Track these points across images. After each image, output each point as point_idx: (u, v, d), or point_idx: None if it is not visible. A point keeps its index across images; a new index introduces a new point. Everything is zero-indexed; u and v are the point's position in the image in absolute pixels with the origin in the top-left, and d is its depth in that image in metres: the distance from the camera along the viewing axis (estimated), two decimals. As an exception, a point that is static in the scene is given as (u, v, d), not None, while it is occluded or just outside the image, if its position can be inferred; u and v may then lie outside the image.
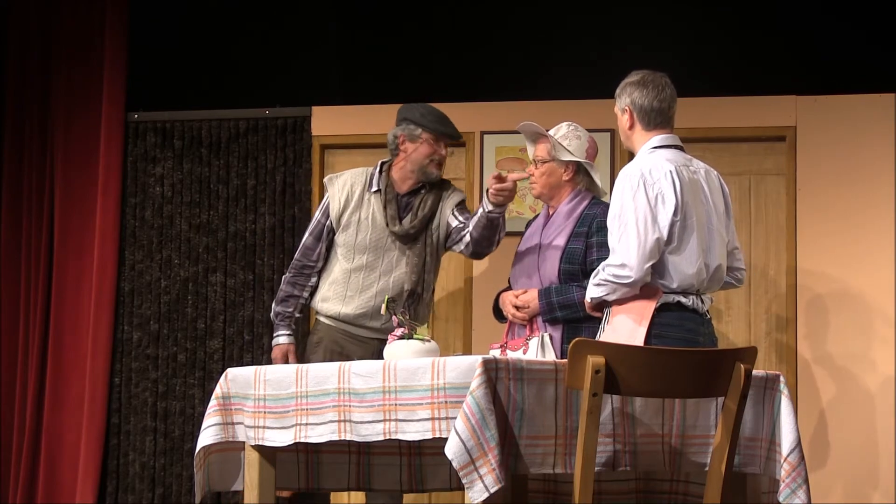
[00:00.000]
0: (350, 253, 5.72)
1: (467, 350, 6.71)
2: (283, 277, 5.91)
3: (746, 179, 6.71)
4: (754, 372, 3.89)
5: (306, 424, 3.98)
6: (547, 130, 5.43)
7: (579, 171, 5.42)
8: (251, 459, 4.22)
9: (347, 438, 3.87)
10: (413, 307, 5.70)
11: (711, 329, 4.65)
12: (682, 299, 4.51)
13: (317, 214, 5.88)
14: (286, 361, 5.81)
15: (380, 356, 5.61)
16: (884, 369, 6.43)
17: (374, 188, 5.79)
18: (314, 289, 5.84)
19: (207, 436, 4.24)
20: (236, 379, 4.24)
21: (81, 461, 6.98)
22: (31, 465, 7.08)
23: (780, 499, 4.02)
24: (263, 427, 4.11)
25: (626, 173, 4.55)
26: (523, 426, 3.62)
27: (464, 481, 3.50)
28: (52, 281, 7.16)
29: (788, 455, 4.03)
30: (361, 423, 3.81)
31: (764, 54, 6.68)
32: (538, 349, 5.16)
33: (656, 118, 4.66)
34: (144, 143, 7.17)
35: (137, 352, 7.03)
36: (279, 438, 4.07)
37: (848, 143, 6.55)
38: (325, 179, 5.94)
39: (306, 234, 5.88)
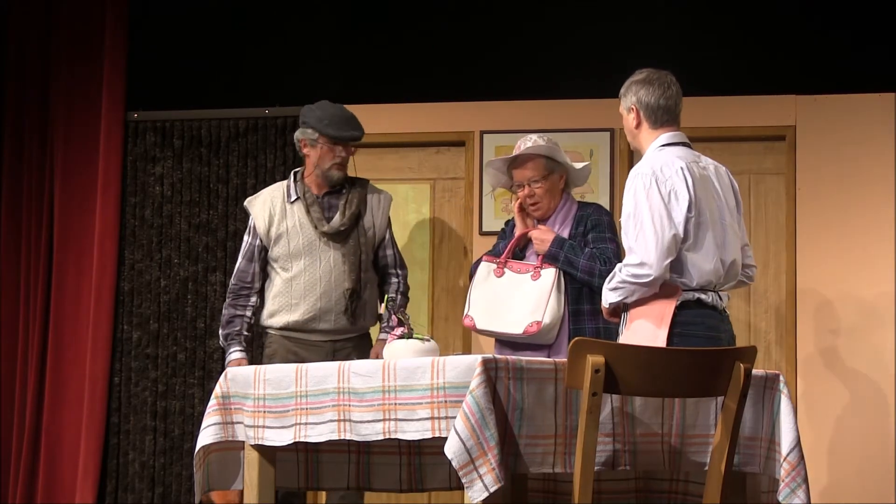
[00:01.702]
0: (287, 262, 5.76)
1: (467, 349, 6.71)
2: (224, 306, 5.91)
3: (746, 179, 6.71)
4: (754, 371, 3.89)
5: (306, 424, 3.98)
6: (539, 143, 5.47)
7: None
8: (251, 459, 4.22)
9: (347, 438, 3.87)
10: (355, 306, 5.72)
11: (730, 326, 4.63)
12: (702, 296, 4.48)
13: (245, 238, 5.88)
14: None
15: (334, 358, 5.67)
16: (884, 368, 6.43)
17: (293, 197, 5.82)
18: (256, 308, 5.85)
19: (207, 435, 4.24)
20: (236, 378, 4.24)
21: (81, 460, 6.98)
22: (30, 464, 7.08)
23: (780, 498, 4.02)
24: (263, 426, 4.11)
25: (638, 172, 4.52)
26: (523, 426, 3.62)
27: (463, 481, 3.50)
28: (51, 280, 7.16)
29: (788, 454, 4.03)
30: (361, 422, 3.81)
31: (764, 54, 6.68)
32: (554, 282, 5.26)
33: (663, 116, 4.63)
34: (144, 143, 7.17)
35: (137, 351, 7.03)
36: (279, 438, 4.07)
37: (848, 143, 6.55)
38: (245, 203, 5.96)
39: (239, 259, 5.89)
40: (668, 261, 4.41)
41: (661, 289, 4.46)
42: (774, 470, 4.09)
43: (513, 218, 5.63)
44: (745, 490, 4.21)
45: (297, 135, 5.87)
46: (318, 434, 3.95)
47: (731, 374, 3.82)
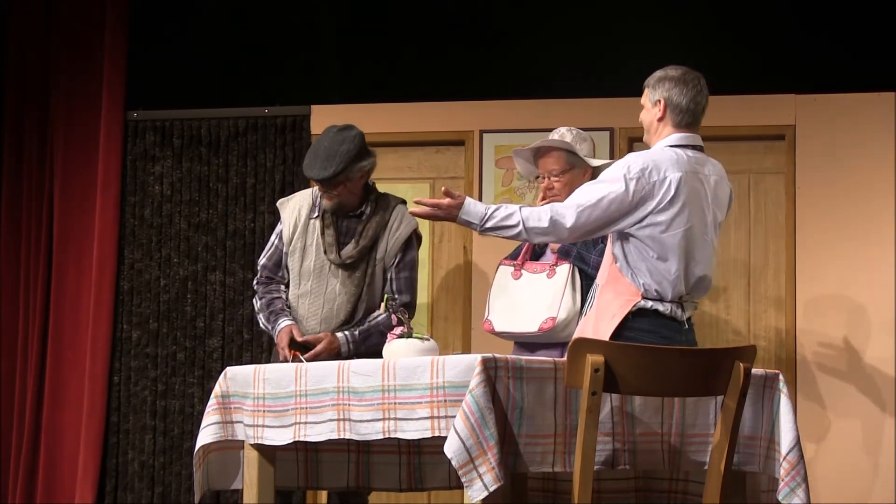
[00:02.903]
0: (297, 279, 5.69)
1: (467, 349, 6.71)
2: (255, 299, 5.82)
3: (746, 178, 6.71)
4: (753, 371, 3.89)
5: (305, 423, 3.98)
6: (547, 137, 5.43)
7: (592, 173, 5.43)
8: (250, 458, 4.22)
9: (347, 437, 3.87)
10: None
11: (692, 337, 4.57)
12: (660, 307, 4.46)
13: (273, 238, 5.81)
14: (290, 337, 5.61)
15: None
16: (883, 368, 6.43)
17: (316, 213, 5.71)
18: (287, 295, 5.75)
19: (207, 434, 4.24)
20: (235, 377, 4.24)
21: (81, 460, 6.97)
22: (30, 463, 7.08)
23: (780, 497, 4.02)
24: (263, 426, 4.11)
25: (631, 160, 4.48)
26: (522, 425, 3.62)
27: (463, 480, 3.50)
28: (51, 279, 7.16)
29: (787, 454, 4.03)
30: (360, 421, 3.81)
31: (764, 53, 6.68)
32: (568, 278, 5.21)
33: (688, 118, 4.60)
34: (144, 142, 7.17)
35: (137, 350, 7.03)
36: (278, 437, 4.07)
37: (847, 142, 6.55)
38: (277, 203, 5.85)
39: (264, 258, 5.79)
40: (586, 231, 4.41)
41: (623, 286, 4.45)
42: (774, 469, 4.09)
43: None
44: (745, 489, 4.21)
45: None
46: (318, 433, 3.95)
47: (731, 373, 3.82)
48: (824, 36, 6.61)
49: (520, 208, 4.37)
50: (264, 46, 7.17)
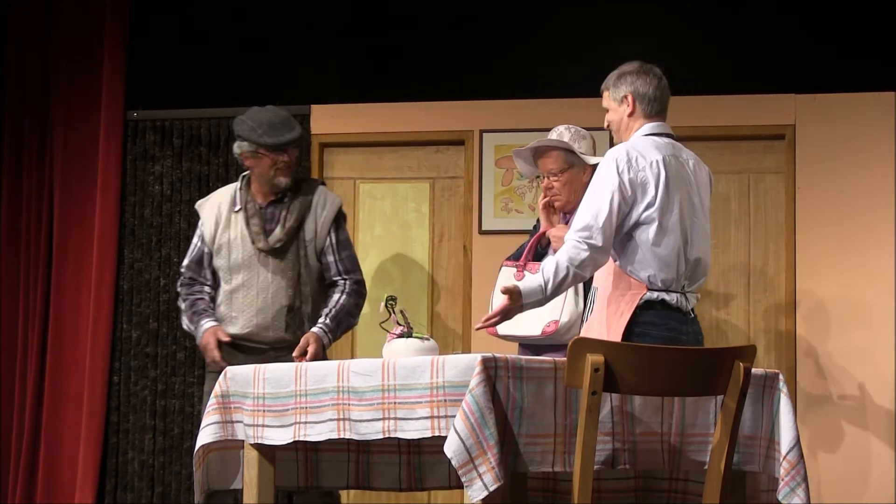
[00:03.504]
0: (227, 275, 5.69)
1: (467, 349, 6.71)
2: (179, 301, 5.84)
3: (746, 178, 6.71)
4: (753, 370, 3.89)
5: (305, 423, 3.98)
6: (547, 136, 5.42)
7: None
8: (250, 458, 4.22)
9: (346, 437, 3.87)
10: (296, 322, 5.62)
11: (697, 327, 4.61)
12: (666, 297, 4.48)
13: (195, 240, 5.83)
14: (216, 338, 5.63)
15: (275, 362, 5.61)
16: (883, 367, 6.43)
17: (238, 206, 5.72)
18: (211, 296, 5.76)
19: (206, 434, 4.24)
20: (235, 377, 4.24)
21: (81, 459, 6.98)
22: (30, 463, 7.08)
23: (780, 497, 4.02)
24: (263, 425, 4.11)
25: (613, 156, 4.50)
26: (522, 424, 3.62)
27: (463, 480, 3.50)
28: (51, 279, 7.17)
29: (787, 453, 4.03)
30: (360, 421, 3.81)
31: (764, 53, 6.68)
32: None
33: (656, 106, 4.65)
34: (144, 142, 7.17)
35: (136, 350, 7.03)
36: (278, 437, 4.07)
37: (847, 142, 6.56)
38: (196, 206, 5.88)
39: (187, 260, 5.81)
40: (613, 236, 4.42)
41: (626, 284, 4.46)
42: (774, 469, 4.09)
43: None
44: (745, 489, 4.21)
45: (235, 150, 5.74)
46: (318, 433, 3.95)
47: (731, 373, 3.82)
48: (824, 36, 6.61)
49: (556, 260, 4.38)
50: (264, 46, 7.17)
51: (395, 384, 3.73)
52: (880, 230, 6.50)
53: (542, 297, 4.38)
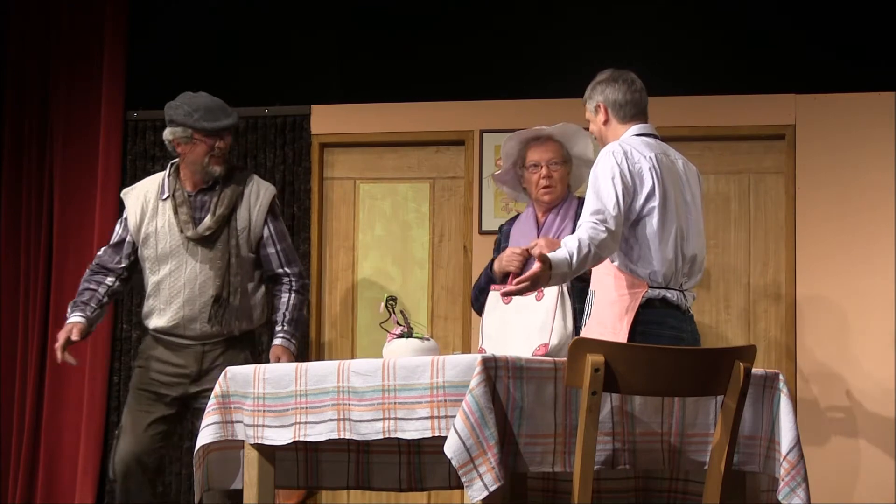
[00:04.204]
0: (155, 265, 5.57)
1: (467, 349, 6.71)
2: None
3: (746, 178, 6.71)
4: (753, 370, 3.89)
5: (305, 423, 3.98)
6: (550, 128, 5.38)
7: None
8: (250, 458, 4.22)
9: (347, 437, 3.87)
10: (222, 314, 5.50)
11: (694, 326, 4.64)
12: (668, 294, 4.50)
13: (117, 227, 5.72)
14: (67, 336, 5.55)
15: (204, 361, 5.53)
16: (883, 367, 6.43)
17: (165, 194, 5.57)
18: (111, 289, 5.67)
19: (207, 434, 4.24)
20: (235, 377, 4.24)
21: (80, 460, 6.98)
22: (30, 463, 7.08)
23: (780, 497, 4.01)
24: (263, 426, 4.11)
25: (609, 150, 4.53)
26: (522, 425, 3.62)
27: (463, 480, 3.50)
28: (51, 279, 7.17)
29: (788, 453, 4.03)
30: (361, 421, 3.81)
31: (764, 53, 6.68)
32: (557, 301, 5.04)
33: (631, 110, 4.69)
34: (144, 142, 7.17)
35: (136, 350, 7.02)
36: (278, 437, 4.07)
37: (847, 142, 6.55)
38: (122, 194, 5.75)
39: (104, 247, 5.73)
40: (621, 222, 4.42)
41: (627, 282, 4.47)
42: (774, 469, 4.09)
43: (509, 220, 5.55)
44: (745, 489, 4.21)
45: (167, 135, 5.59)
46: (318, 433, 3.95)
47: (731, 373, 3.82)
48: (824, 36, 6.61)
49: (577, 237, 4.35)
50: (264, 46, 7.17)
51: (396, 384, 3.73)
52: (880, 230, 6.50)
53: (568, 271, 4.32)
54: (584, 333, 4.61)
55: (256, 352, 5.75)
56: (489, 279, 5.34)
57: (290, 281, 5.66)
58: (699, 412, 3.96)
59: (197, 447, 4.26)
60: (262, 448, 4.20)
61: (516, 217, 5.52)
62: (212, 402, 4.27)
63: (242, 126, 7.06)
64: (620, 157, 4.49)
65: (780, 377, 4.15)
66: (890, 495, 6.34)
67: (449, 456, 3.50)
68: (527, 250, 5.14)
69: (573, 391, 3.71)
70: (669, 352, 3.84)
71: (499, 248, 5.47)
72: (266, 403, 4.10)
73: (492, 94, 6.87)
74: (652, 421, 3.88)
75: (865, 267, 6.49)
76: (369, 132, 6.99)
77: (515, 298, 5.14)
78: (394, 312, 4.39)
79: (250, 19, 7.19)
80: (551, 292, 5.07)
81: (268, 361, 6.28)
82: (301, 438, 4.00)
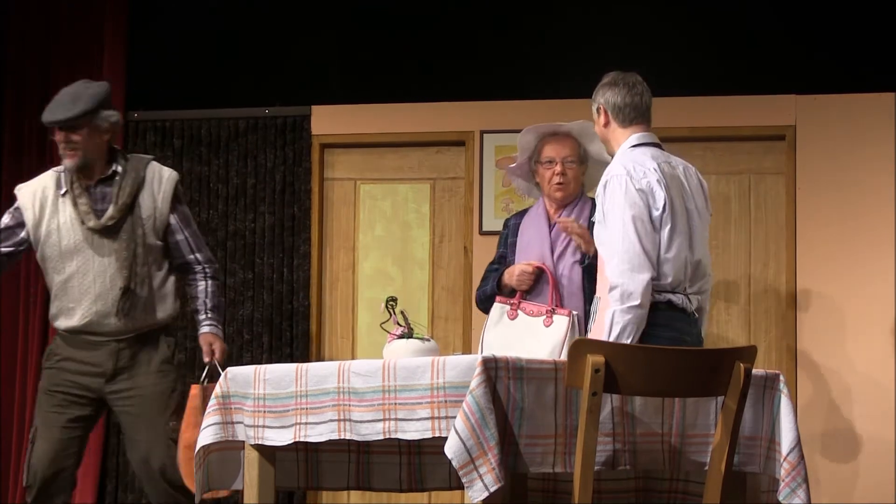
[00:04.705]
0: (59, 263, 5.28)
1: (467, 349, 6.71)
2: None
3: (746, 178, 6.71)
4: (754, 371, 3.89)
5: (306, 423, 3.97)
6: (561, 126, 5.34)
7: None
8: (251, 458, 4.22)
9: (347, 438, 3.87)
10: (128, 307, 5.25)
11: (699, 329, 4.65)
12: (673, 298, 4.52)
13: (5, 218, 5.37)
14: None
15: (119, 358, 5.30)
16: (883, 367, 6.43)
17: (63, 189, 5.32)
18: None
19: (207, 435, 4.23)
20: (236, 378, 4.24)
21: (81, 460, 6.97)
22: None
23: (780, 498, 4.01)
24: (263, 426, 4.10)
25: (612, 174, 4.54)
26: (523, 425, 3.62)
27: (463, 480, 3.50)
28: (51, 280, 7.15)
29: (788, 454, 4.03)
30: (361, 422, 3.81)
31: (764, 53, 6.68)
32: (567, 332, 4.98)
33: (631, 113, 4.69)
34: (144, 142, 7.17)
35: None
36: (279, 437, 4.06)
37: (847, 142, 6.56)
38: (15, 190, 5.44)
39: None
40: (649, 275, 4.43)
41: None
42: (774, 469, 4.09)
43: (516, 214, 5.50)
44: (745, 490, 4.21)
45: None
46: (318, 434, 3.94)
47: (731, 373, 3.81)
48: (824, 37, 6.61)
49: (612, 311, 4.41)
50: (264, 47, 7.17)
51: (396, 385, 3.73)
52: (880, 230, 6.50)
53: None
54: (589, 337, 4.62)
55: (175, 343, 5.52)
56: (495, 289, 5.30)
57: (204, 268, 5.48)
58: (699, 413, 3.96)
59: (197, 448, 4.26)
60: (262, 448, 4.20)
61: (523, 212, 5.44)
62: (212, 403, 4.27)
63: (243, 126, 7.07)
64: (625, 182, 4.49)
65: (781, 378, 4.14)
66: (890, 495, 6.34)
67: (449, 456, 3.50)
68: (538, 267, 5.14)
69: (573, 392, 3.71)
70: (670, 352, 3.84)
71: (505, 242, 5.42)
72: (266, 404, 4.10)
73: (492, 95, 6.87)
74: (652, 421, 3.88)
75: (865, 267, 6.49)
76: (369, 133, 6.99)
77: (521, 316, 5.13)
78: (394, 313, 4.39)
79: (250, 20, 7.19)
80: (561, 321, 5.04)
81: (196, 351, 6.03)
82: (301, 439, 4.00)
